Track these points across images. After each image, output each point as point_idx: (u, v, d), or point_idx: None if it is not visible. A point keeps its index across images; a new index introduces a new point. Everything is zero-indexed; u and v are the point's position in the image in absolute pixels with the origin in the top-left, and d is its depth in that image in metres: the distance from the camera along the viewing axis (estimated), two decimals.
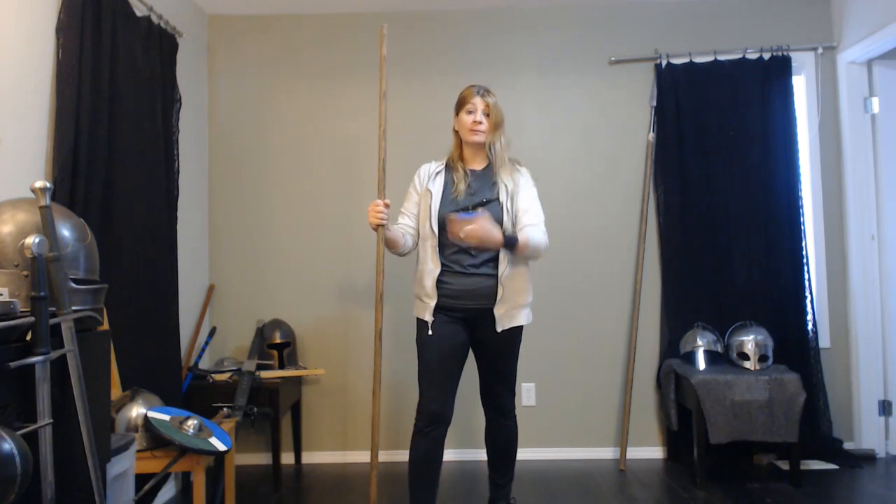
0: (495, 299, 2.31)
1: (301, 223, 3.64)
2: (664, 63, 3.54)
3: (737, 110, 3.49)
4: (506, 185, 2.35)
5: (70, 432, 1.54)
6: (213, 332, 3.49)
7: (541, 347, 3.49)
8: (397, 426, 3.49)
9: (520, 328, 2.38)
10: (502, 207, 2.33)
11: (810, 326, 3.37)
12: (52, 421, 1.45)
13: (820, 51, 3.54)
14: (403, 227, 2.45)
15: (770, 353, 3.19)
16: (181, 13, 3.26)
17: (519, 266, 2.35)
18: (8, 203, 1.62)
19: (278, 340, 3.43)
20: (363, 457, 3.51)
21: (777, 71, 3.48)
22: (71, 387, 1.54)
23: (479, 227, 2.17)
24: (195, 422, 2.31)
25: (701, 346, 3.26)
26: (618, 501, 2.90)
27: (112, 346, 2.12)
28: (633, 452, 3.48)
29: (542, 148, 3.60)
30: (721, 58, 3.52)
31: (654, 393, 3.56)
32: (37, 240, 1.46)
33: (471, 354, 2.45)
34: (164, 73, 2.97)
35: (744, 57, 3.51)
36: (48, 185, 1.54)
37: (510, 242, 2.24)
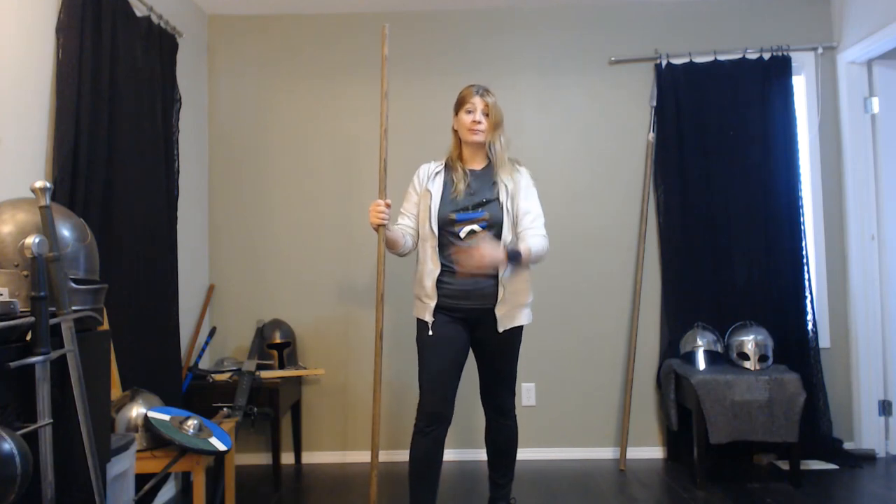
0: (495, 299, 2.31)
1: (301, 223, 3.64)
2: (664, 63, 3.54)
3: (737, 110, 3.49)
4: (506, 185, 2.35)
5: (70, 432, 1.54)
6: (213, 332, 3.49)
7: (541, 347, 3.49)
8: (397, 426, 3.49)
9: (520, 328, 2.39)
10: (502, 207, 2.33)
11: (810, 326, 3.37)
12: (52, 421, 1.45)
13: (820, 51, 3.55)
14: (403, 227, 2.44)
15: (770, 353, 3.19)
16: (181, 13, 3.26)
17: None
18: (8, 203, 1.62)
19: (278, 340, 3.43)
20: (363, 457, 3.51)
21: (777, 71, 3.48)
22: (71, 387, 1.54)
23: (472, 254, 2.17)
24: (195, 422, 2.31)
25: (701, 346, 3.26)
26: (618, 501, 2.90)
27: (112, 346, 2.12)
28: (633, 452, 3.48)
29: (542, 148, 3.60)
30: (721, 58, 3.52)
31: (654, 393, 3.56)
32: (37, 240, 1.46)
33: (471, 354, 2.45)
34: (164, 73, 2.97)
35: (744, 57, 3.51)
36: (48, 185, 1.54)
37: (514, 257, 2.23)
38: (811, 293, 3.39)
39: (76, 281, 1.63)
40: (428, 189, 2.40)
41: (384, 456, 3.36)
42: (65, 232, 1.63)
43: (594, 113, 3.64)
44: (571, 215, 3.58)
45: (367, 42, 3.59)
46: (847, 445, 3.40)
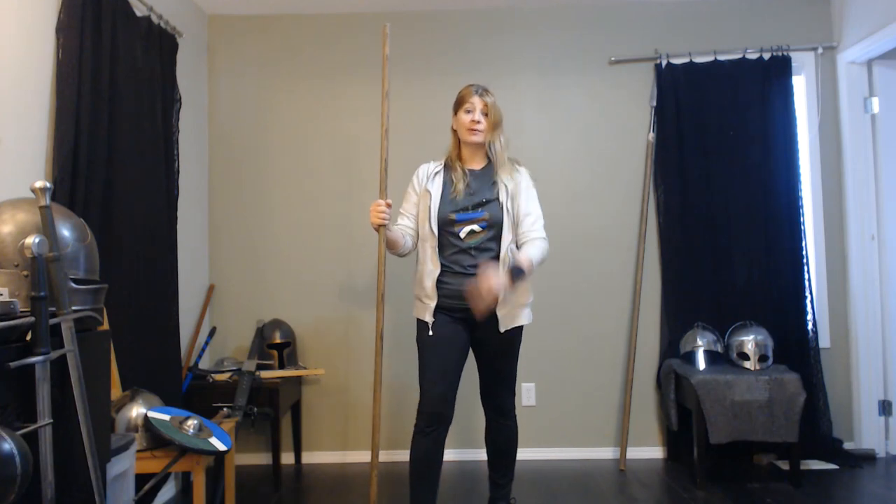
0: (496, 300, 2.30)
1: (301, 223, 3.64)
2: (664, 63, 3.54)
3: (737, 110, 3.49)
4: (506, 186, 2.35)
5: (70, 432, 1.54)
6: (213, 332, 3.49)
7: (541, 347, 3.49)
8: (397, 426, 3.49)
9: (520, 328, 2.39)
10: (502, 207, 2.33)
11: (810, 326, 3.37)
12: (52, 421, 1.45)
13: (820, 51, 3.55)
14: (403, 227, 2.44)
15: (770, 353, 3.19)
16: (181, 13, 3.26)
17: None
18: (8, 203, 1.62)
19: (278, 340, 3.43)
20: (363, 457, 3.51)
21: (777, 71, 3.48)
22: (71, 387, 1.54)
23: (480, 293, 2.15)
24: (195, 422, 2.30)
25: (701, 346, 3.26)
26: (618, 501, 2.90)
27: (112, 346, 2.12)
28: (633, 452, 3.48)
29: (542, 148, 3.60)
30: (721, 58, 3.52)
31: (654, 393, 3.56)
32: (37, 240, 1.46)
33: (471, 354, 2.45)
34: (164, 73, 2.97)
35: (744, 57, 3.51)
36: (48, 185, 1.54)
37: (518, 275, 2.21)
38: (811, 293, 3.39)
39: (76, 281, 1.63)
40: (427, 189, 2.40)
41: (384, 456, 3.36)
42: (65, 232, 1.63)
43: (594, 113, 3.64)
44: (571, 215, 3.58)
45: (367, 42, 3.59)
46: (847, 445, 3.40)
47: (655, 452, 3.53)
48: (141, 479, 2.10)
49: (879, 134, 3.46)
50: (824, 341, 3.45)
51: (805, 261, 3.38)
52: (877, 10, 3.22)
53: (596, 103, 3.64)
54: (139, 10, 2.77)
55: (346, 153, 3.64)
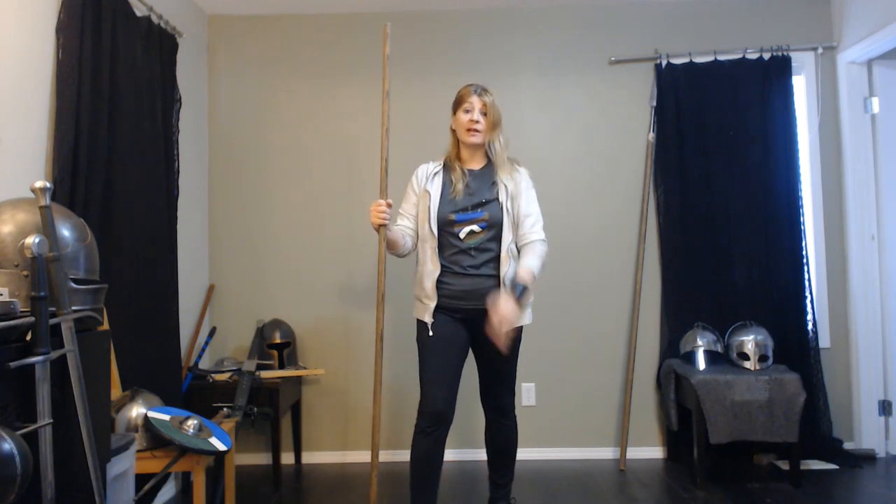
0: (513, 325, 2.29)
1: (301, 223, 3.64)
2: (664, 63, 3.54)
3: (737, 110, 3.49)
4: (505, 186, 2.35)
5: (70, 432, 1.54)
6: (213, 332, 3.48)
7: (541, 347, 3.49)
8: (397, 426, 3.49)
9: (520, 328, 2.38)
10: (502, 207, 2.32)
11: (810, 326, 3.37)
12: (52, 421, 1.45)
13: (820, 51, 3.55)
14: (403, 228, 2.44)
15: (770, 353, 3.19)
16: (181, 13, 3.26)
17: None
18: (8, 203, 1.62)
19: (278, 340, 3.43)
20: (363, 457, 3.51)
21: (777, 71, 3.48)
22: (71, 387, 1.54)
23: (500, 326, 2.14)
24: (195, 422, 2.30)
25: (701, 346, 3.26)
26: (618, 501, 2.90)
27: (112, 346, 2.12)
28: (633, 452, 3.48)
29: (542, 148, 3.60)
30: (721, 58, 3.52)
31: (654, 393, 3.56)
32: (37, 240, 1.46)
33: (470, 354, 2.45)
34: (164, 73, 2.97)
35: (744, 57, 3.51)
36: (48, 185, 1.54)
37: (522, 292, 2.20)
38: (811, 293, 3.39)
39: (76, 281, 1.63)
40: (427, 190, 2.39)
41: (384, 456, 3.36)
42: (65, 232, 1.63)
43: (594, 113, 3.64)
44: (571, 215, 3.58)
45: (367, 42, 3.59)
46: (847, 445, 3.40)
47: (655, 452, 3.53)
48: (141, 479, 2.10)
49: (879, 134, 3.46)
50: (824, 341, 3.45)
51: (805, 261, 3.38)
52: (877, 10, 3.22)
53: (596, 103, 3.64)
54: (139, 10, 2.77)
55: (346, 153, 3.64)
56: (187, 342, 3.30)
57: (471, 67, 3.60)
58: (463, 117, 2.37)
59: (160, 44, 2.92)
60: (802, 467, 3.11)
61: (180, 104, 3.12)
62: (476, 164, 2.43)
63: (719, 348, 3.29)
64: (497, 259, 2.32)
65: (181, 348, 3.09)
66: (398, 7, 3.60)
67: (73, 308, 1.58)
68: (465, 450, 3.49)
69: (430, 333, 2.32)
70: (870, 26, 3.28)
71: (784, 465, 3.26)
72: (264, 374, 3.16)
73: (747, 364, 3.15)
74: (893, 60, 3.43)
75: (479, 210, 2.33)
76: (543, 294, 3.25)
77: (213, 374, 3.14)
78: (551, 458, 3.52)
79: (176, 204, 3.04)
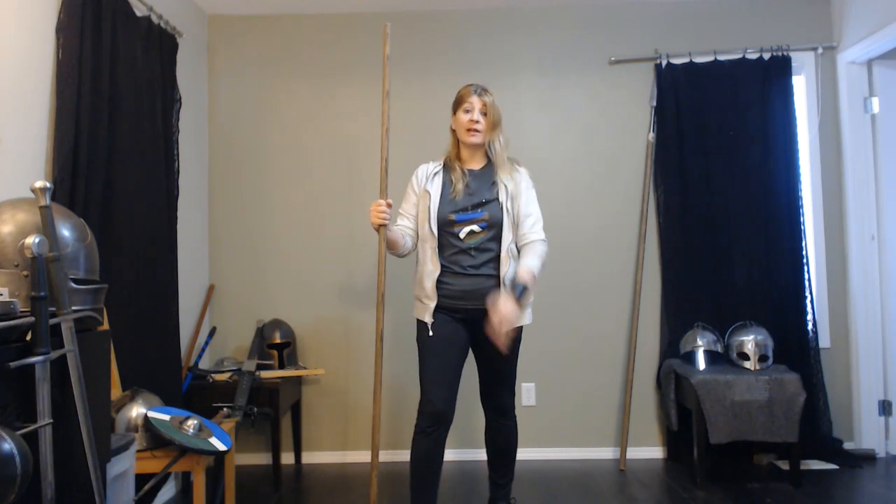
0: (513, 325, 2.29)
1: (301, 223, 3.64)
2: (664, 63, 3.54)
3: (737, 110, 3.49)
4: (505, 186, 2.35)
5: (70, 432, 1.54)
6: (213, 332, 3.49)
7: (541, 347, 3.49)
8: (397, 426, 3.49)
9: (520, 328, 2.38)
10: (502, 207, 2.32)
11: (810, 326, 3.37)
12: (52, 421, 1.45)
13: (820, 51, 3.55)
14: (403, 228, 2.44)
15: (770, 353, 3.19)
16: (181, 13, 3.26)
17: None
18: (8, 203, 1.62)
19: (278, 340, 3.43)
20: (363, 457, 3.51)
21: (777, 71, 3.48)
22: (71, 387, 1.54)
23: (500, 328, 2.15)
24: (195, 422, 2.30)
25: (701, 346, 3.26)
26: (618, 501, 2.90)
27: (112, 346, 2.12)
28: (633, 452, 3.48)
29: (542, 148, 3.60)
30: (721, 58, 3.52)
31: (654, 393, 3.56)
32: (37, 240, 1.46)
33: (470, 354, 2.45)
34: (164, 73, 2.97)
35: (744, 57, 3.51)
36: (48, 185, 1.54)
37: (522, 293, 2.20)
38: (811, 293, 3.39)
39: (76, 281, 1.63)
40: (426, 190, 2.39)
41: (384, 456, 3.36)
42: (65, 232, 1.63)
43: (594, 113, 3.64)
44: (571, 215, 3.58)
45: (367, 42, 3.59)
46: (847, 445, 3.40)
47: (655, 452, 3.53)
48: (141, 479, 2.10)
49: (879, 134, 3.46)
50: (824, 341, 3.45)
51: (805, 261, 3.38)
52: (877, 10, 3.22)
53: (596, 103, 3.64)
54: (139, 10, 2.77)
55: (346, 153, 3.64)
56: (187, 342, 3.30)
57: (471, 67, 3.60)
58: (463, 117, 2.37)
59: (160, 44, 2.92)
60: (802, 467, 3.11)
61: (180, 104, 3.12)
62: (476, 164, 2.43)
63: (719, 348, 3.29)
64: (497, 259, 2.32)
65: (181, 348, 3.09)
66: (398, 7, 3.60)
67: (73, 308, 1.58)
68: (465, 450, 3.49)
69: (430, 333, 2.32)
70: (870, 26, 3.28)
71: (784, 465, 3.26)
72: (264, 374, 3.17)
73: (747, 364, 3.15)
74: (893, 60, 3.43)
75: (479, 210, 2.33)
76: (543, 294, 3.25)
77: (213, 374, 3.14)
78: (551, 458, 3.52)
79: (176, 204, 3.04)
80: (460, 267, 2.33)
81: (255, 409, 2.96)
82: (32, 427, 1.40)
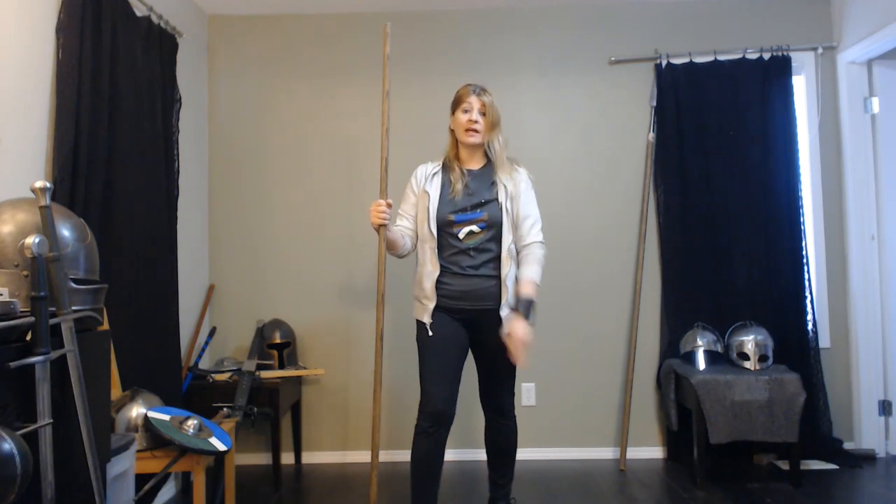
0: (496, 300, 2.30)
1: (301, 223, 3.64)
2: (664, 63, 3.54)
3: (737, 110, 3.49)
4: (505, 186, 2.35)
5: (70, 432, 1.54)
6: (213, 332, 3.49)
7: (541, 347, 3.48)
8: (397, 426, 3.49)
9: None
10: (501, 208, 2.32)
11: (810, 326, 3.37)
12: (52, 421, 1.45)
13: (820, 51, 3.55)
14: (402, 228, 2.44)
15: (770, 353, 3.19)
16: (181, 13, 3.26)
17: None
18: (8, 203, 1.62)
19: (278, 340, 3.43)
20: (363, 457, 3.51)
21: (777, 71, 3.48)
22: (71, 387, 1.54)
23: (519, 350, 2.20)
24: (195, 422, 2.30)
25: (701, 346, 3.26)
26: (618, 501, 2.90)
27: (112, 346, 2.12)
28: (633, 452, 3.48)
29: (542, 148, 3.60)
30: (721, 58, 3.52)
31: (654, 393, 3.56)
32: (37, 240, 1.46)
33: (470, 355, 2.45)
34: (164, 73, 2.97)
35: (744, 57, 3.51)
36: (48, 185, 1.54)
37: (528, 308, 2.25)
38: (811, 293, 3.39)
39: (76, 281, 1.63)
40: (426, 190, 2.39)
41: (384, 456, 3.36)
42: (65, 232, 1.63)
43: (594, 113, 3.64)
44: (571, 215, 3.58)
45: (367, 42, 3.59)
46: (847, 445, 3.40)
47: (655, 452, 3.53)
48: (141, 479, 2.10)
49: (879, 134, 3.46)
50: (824, 341, 3.45)
51: (805, 261, 3.38)
52: (877, 10, 3.22)
53: (596, 103, 3.64)
54: (139, 10, 2.77)
55: (346, 153, 3.64)
56: (187, 342, 3.30)
57: (471, 67, 3.60)
58: (461, 117, 2.37)
59: (160, 44, 2.92)
60: (802, 467, 3.10)
61: (180, 104, 3.12)
62: (475, 164, 2.43)
63: (719, 348, 3.29)
64: (496, 259, 2.32)
65: (181, 348, 3.09)
66: (398, 7, 3.60)
67: (73, 308, 1.58)
68: (465, 450, 3.49)
69: (430, 334, 2.32)
70: (870, 26, 3.28)
71: (784, 465, 3.26)
72: (264, 374, 3.17)
73: (747, 364, 3.15)
74: (893, 60, 3.43)
75: (479, 210, 2.33)
76: (543, 294, 3.21)
77: (213, 374, 3.14)
78: (551, 458, 3.52)
79: (176, 204, 3.04)
80: (459, 267, 2.33)
81: (255, 409, 2.96)
82: (32, 427, 1.40)
